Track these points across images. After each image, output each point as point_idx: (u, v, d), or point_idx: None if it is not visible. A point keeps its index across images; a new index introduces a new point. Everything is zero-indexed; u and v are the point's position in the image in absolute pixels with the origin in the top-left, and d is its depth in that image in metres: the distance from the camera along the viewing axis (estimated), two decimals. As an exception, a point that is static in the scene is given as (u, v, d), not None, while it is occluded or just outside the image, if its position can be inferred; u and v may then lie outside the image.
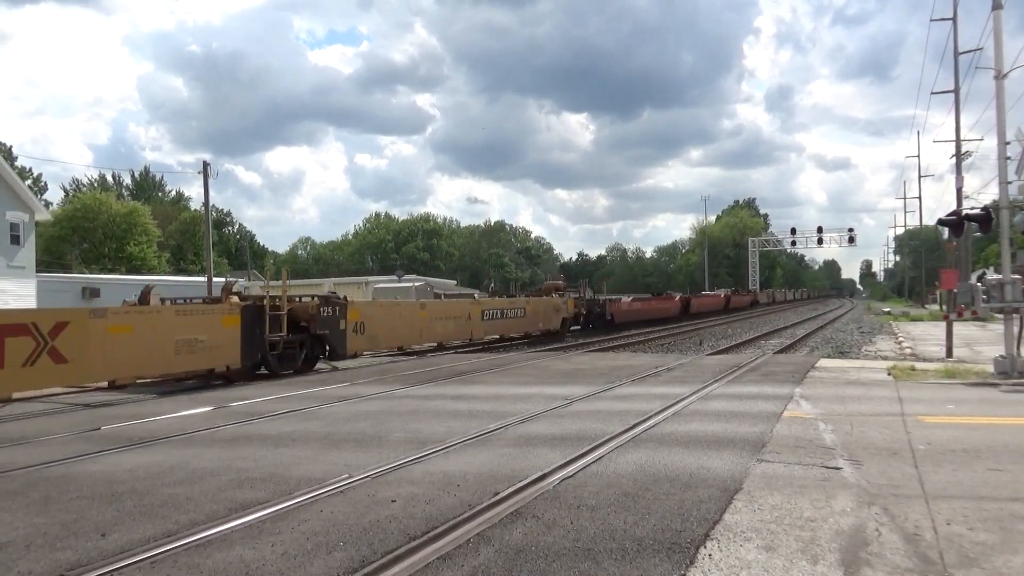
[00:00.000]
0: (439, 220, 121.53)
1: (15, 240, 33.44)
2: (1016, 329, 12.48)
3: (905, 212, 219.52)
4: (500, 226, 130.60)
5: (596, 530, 4.51)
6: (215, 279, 39.53)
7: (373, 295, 37.97)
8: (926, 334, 26.17)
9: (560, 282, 37.30)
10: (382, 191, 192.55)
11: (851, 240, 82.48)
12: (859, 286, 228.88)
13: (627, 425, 7.99)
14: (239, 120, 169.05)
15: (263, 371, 15.02)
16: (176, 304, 14.49)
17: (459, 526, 4.62)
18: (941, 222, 15.82)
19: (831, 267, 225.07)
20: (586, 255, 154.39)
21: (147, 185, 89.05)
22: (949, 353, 16.95)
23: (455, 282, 58.67)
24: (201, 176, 37.34)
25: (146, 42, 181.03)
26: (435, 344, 22.73)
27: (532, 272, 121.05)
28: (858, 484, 5.50)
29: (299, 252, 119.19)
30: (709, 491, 5.32)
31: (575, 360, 17.16)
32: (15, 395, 11.20)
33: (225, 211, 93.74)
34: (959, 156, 34.51)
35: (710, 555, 4.08)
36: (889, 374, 12.78)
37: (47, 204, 60.72)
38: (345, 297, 18.63)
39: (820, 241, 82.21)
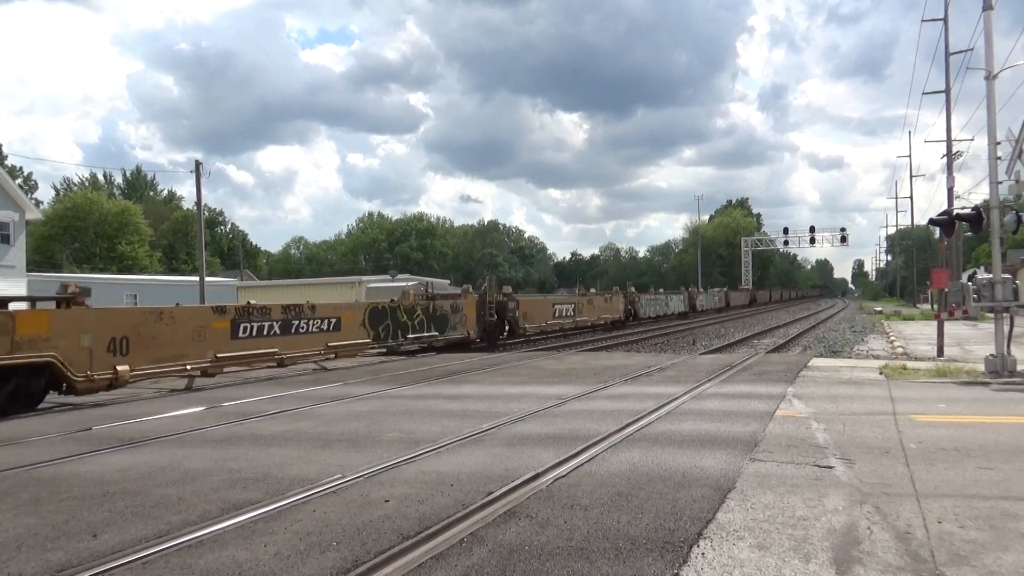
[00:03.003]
0: (432, 220, 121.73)
1: (5, 239, 33.26)
2: (1006, 328, 12.55)
3: (897, 212, 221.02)
4: (493, 225, 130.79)
5: (589, 529, 4.51)
6: (207, 279, 39.34)
7: (367, 295, 37.88)
8: (918, 333, 26.30)
9: None
10: (375, 190, 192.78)
11: (843, 240, 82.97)
12: (851, 285, 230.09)
13: (620, 424, 7.99)
14: (231, 119, 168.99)
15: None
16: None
17: (452, 526, 4.62)
18: (932, 222, 15.86)
19: (823, 266, 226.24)
20: (579, 255, 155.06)
21: (139, 184, 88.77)
22: (940, 352, 17.04)
23: (448, 281, 58.57)
24: (193, 175, 37.27)
25: (136, 40, 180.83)
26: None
27: (525, 271, 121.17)
28: (850, 483, 5.52)
29: (292, 252, 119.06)
30: (702, 490, 5.33)
31: (568, 360, 17.18)
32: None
33: (217, 210, 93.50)
34: (950, 156, 34.70)
35: (703, 554, 4.09)
36: (881, 373, 12.82)
37: (37, 203, 60.40)
38: None
39: (812, 240, 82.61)
